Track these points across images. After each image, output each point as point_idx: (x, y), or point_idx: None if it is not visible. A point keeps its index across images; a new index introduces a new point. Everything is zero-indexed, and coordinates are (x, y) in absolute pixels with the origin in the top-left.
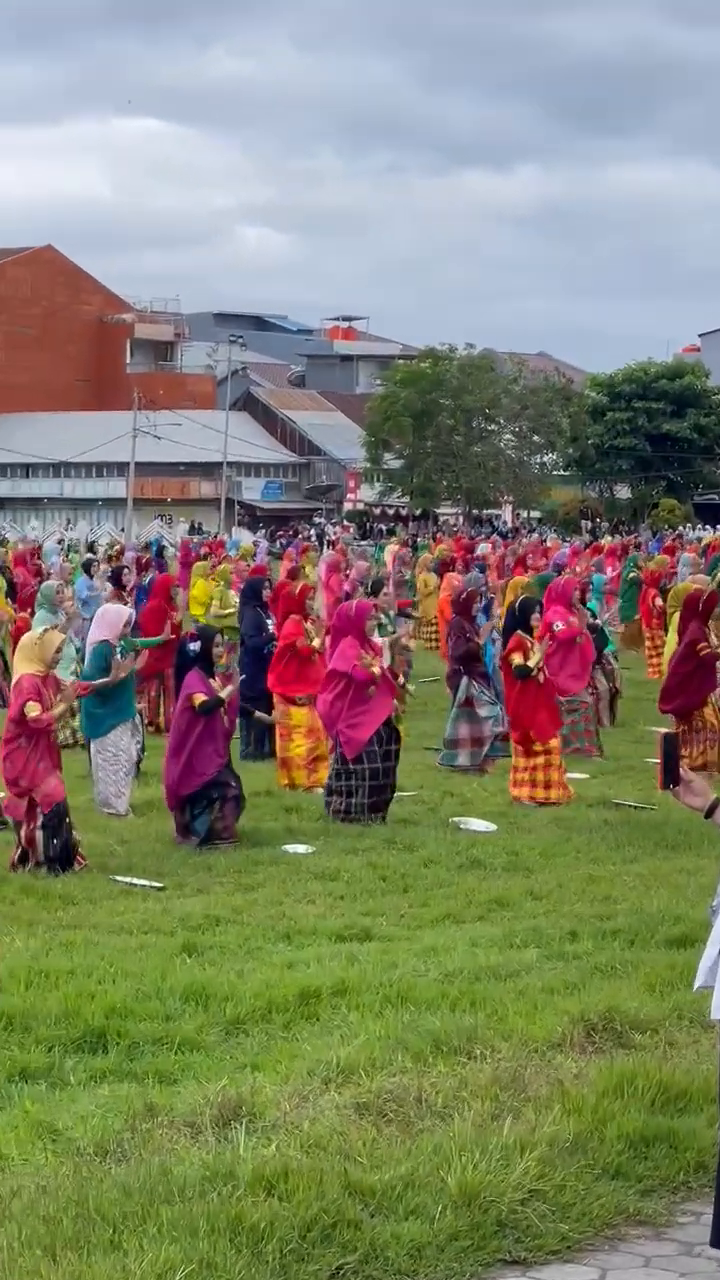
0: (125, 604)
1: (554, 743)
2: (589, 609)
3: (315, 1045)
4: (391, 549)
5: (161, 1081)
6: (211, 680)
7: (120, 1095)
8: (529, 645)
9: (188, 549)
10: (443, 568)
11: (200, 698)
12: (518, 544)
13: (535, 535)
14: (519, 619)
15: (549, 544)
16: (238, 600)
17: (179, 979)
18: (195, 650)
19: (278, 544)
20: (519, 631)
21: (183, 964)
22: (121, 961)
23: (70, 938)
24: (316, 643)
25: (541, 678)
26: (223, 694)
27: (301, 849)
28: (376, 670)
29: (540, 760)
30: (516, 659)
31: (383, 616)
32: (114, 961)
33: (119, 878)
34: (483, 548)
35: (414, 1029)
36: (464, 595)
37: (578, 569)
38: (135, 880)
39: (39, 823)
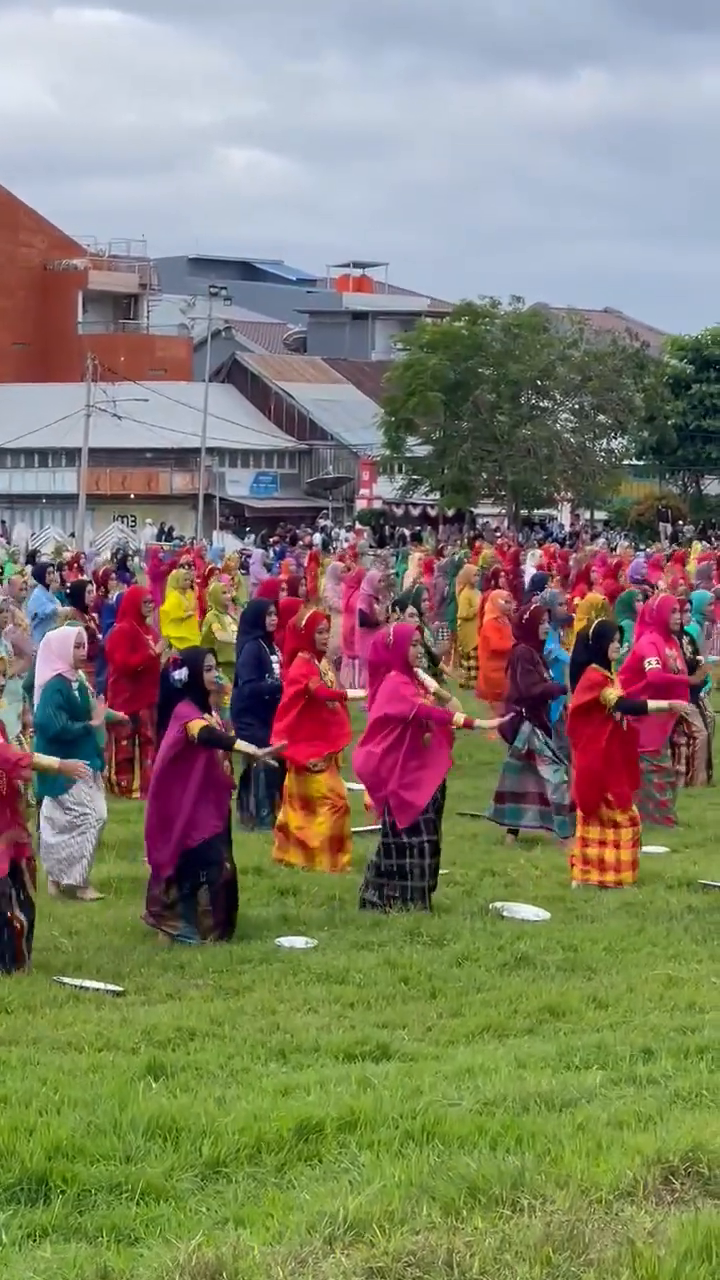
0: (86, 626)
1: (634, 810)
2: (689, 633)
3: (317, 1194)
4: (416, 558)
5: (119, 1240)
6: (209, 715)
7: (66, 1259)
8: (611, 680)
9: (157, 559)
10: (485, 583)
11: (199, 723)
12: (581, 553)
13: (600, 542)
14: (594, 649)
15: (620, 553)
16: (234, 623)
17: (142, 1109)
18: (181, 680)
19: (271, 552)
20: (593, 665)
21: (147, 1090)
22: (69, 1087)
23: (4, 1056)
24: (356, 694)
25: (626, 724)
26: (238, 745)
27: (300, 943)
28: (459, 720)
29: (613, 834)
30: (612, 693)
31: (428, 643)
32: (59, 1087)
33: (66, 979)
34: (532, 557)
35: (444, 1173)
36: (528, 615)
37: (663, 584)
38: (87, 982)
39: None
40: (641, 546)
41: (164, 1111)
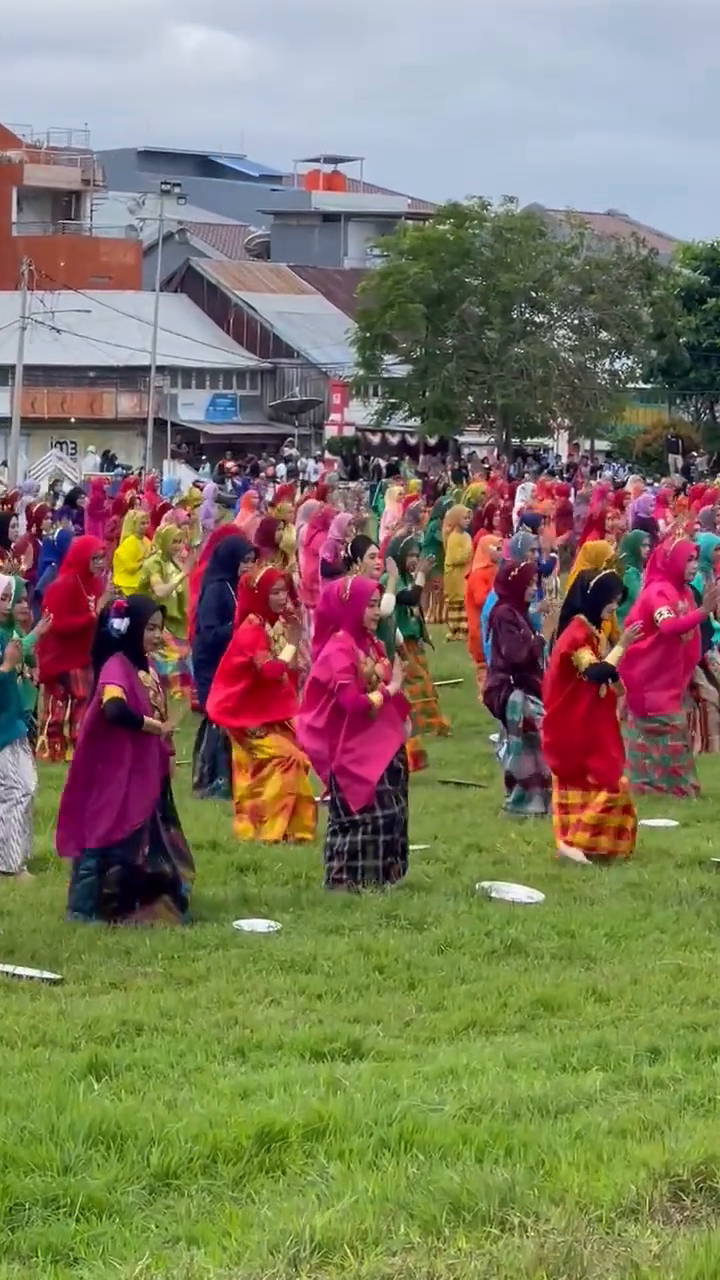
0: (11, 571)
1: (623, 794)
2: (692, 587)
3: (280, 1210)
4: (396, 492)
5: (56, 1261)
6: (143, 674)
7: None
8: (597, 639)
9: (100, 492)
10: (479, 522)
11: (114, 690)
12: (587, 489)
13: (604, 475)
14: (590, 600)
15: (630, 488)
16: (179, 573)
17: (82, 1113)
18: (120, 630)
19: (230, 485)
20: (580, 617)
21: (88, 1091)
22: None
23: None
24: (286, 655)
25: (604, 690)
26: (150, 725)
27: (262, 926)
28: (377, 699)
29: (602, 798)
30: (585, 655)
31: (382, 593)
32: None
33: None
34: (522, 492)
35: (423, 1187)
36: (514, 572)
37: (669, 523)
38: (20, 969)
39: None
40: (650, 481)
41: (107, 1116)
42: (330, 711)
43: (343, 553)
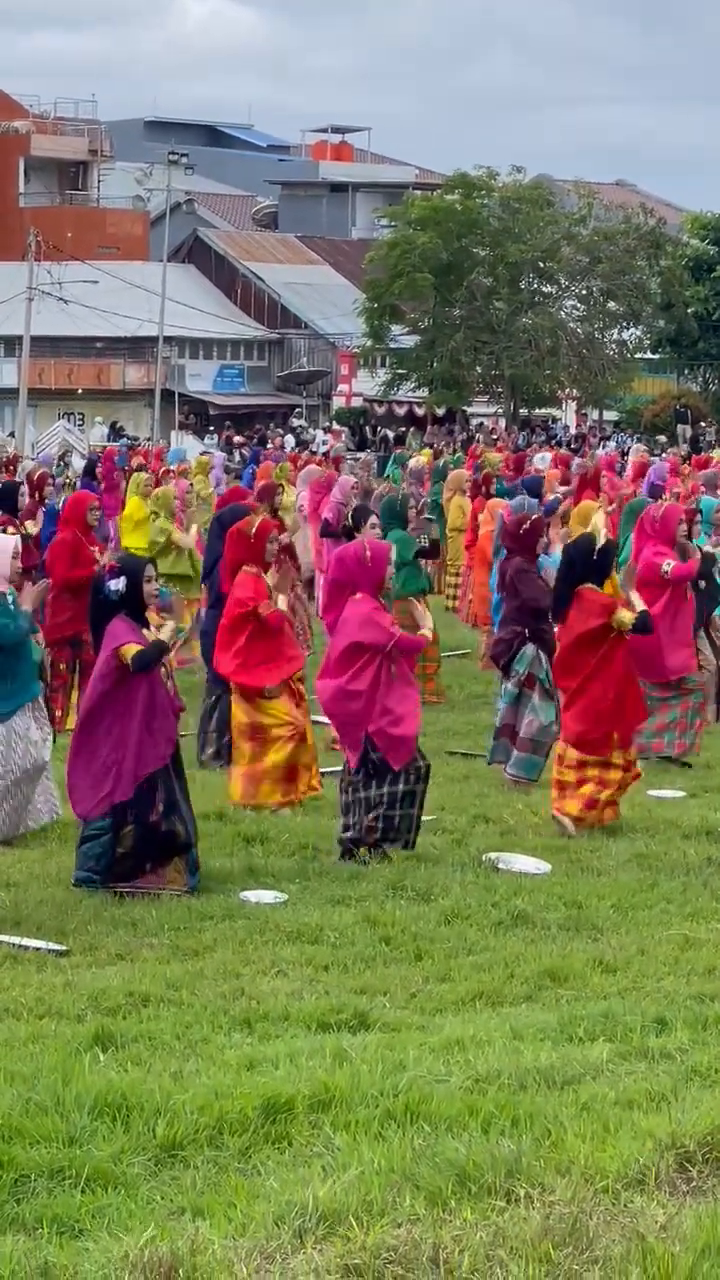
0: (16, 533)
1: (633, 754)
2: (697, 545)
3: (285, 1181)
4: (419, 462)
5: (61, 1233)
6: (146, 632)
7: (1, 1253)
8: (617, 602)
9: (112, 464)
10: (476, 489)
11: (133, 648)
12: (590, 458)
13: (610, 445)
14: (597, 566)
15: (633, 457)
16: (184, 536)
17: (88, 1084)
18: (117, 591)
19: (237, 456)
20: (590, 585)
21: (94, 1062)
22: (5, 1059)
23: None
24: (283, 603)
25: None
26: (162, 635)
27: (269, 897)
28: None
29: (606, 773)
30: (625, 615)
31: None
32: None
33: (3, 937)
34: (540, 460)
35: (429, 1158)
36: (525, 525)
37: (678, 490)
38: (26, 941)
39: None
40: (658, 452)
41: (113, 1087)
42: (374, 672)
43: (345, 517)
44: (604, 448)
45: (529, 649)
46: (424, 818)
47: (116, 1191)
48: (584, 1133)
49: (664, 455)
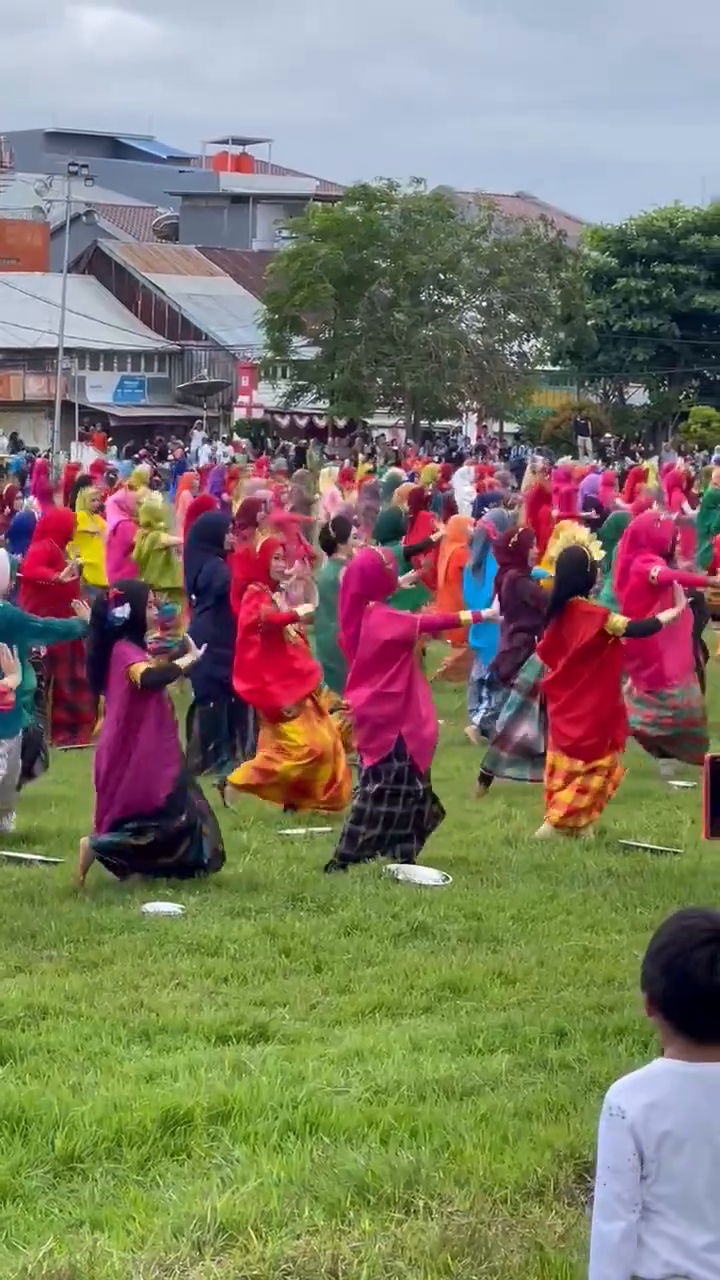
0: None
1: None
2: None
3: (184, 1193)
4: (332, 474)
5: None
6: (148, 656)
7: None
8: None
9: (44, 475)
10: (415, 504)
11: (141, 665)
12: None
13: (540, 460)
14: (588, 581)
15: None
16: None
17: None
18: (122, 617)
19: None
20: (580, 598)
21: None
22: None
23: None
24: (303, 610)
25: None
26: (182, 664)
27: (167, 909)
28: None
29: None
30: (619, 620)
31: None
32: None
33: None
34: (463, 476)
35: (328, 1169)
36: (514, 539)
37: (620, 504)
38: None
39: None
40: (556, 464)
41: (11, 1100)
42: (408, 672)
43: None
44: (502, 462)
45: (536, 659)
46: (325, 830)
47: (15, 1204)
48: (483, 1143)
49: (601, 468)
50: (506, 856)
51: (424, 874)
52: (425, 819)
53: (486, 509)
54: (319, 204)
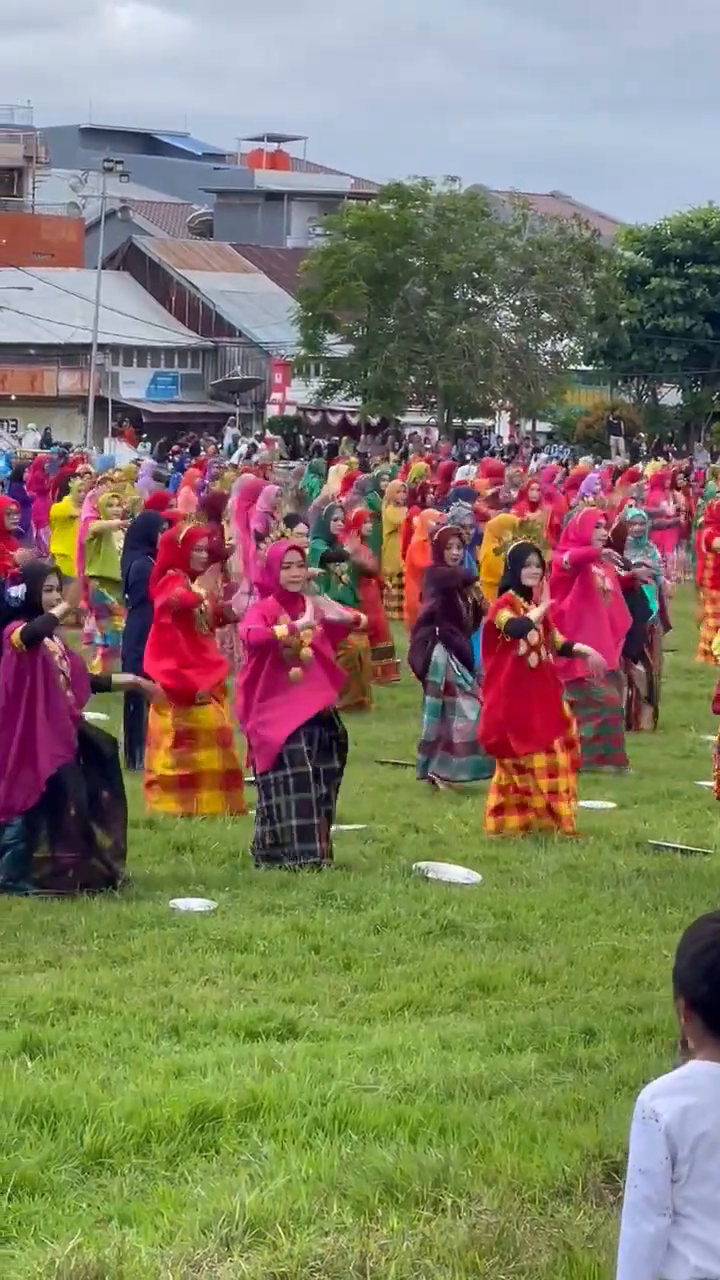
0: None
1: (558, 756)
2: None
3: (213, 1189)
4: (341, 470)
5: None
6: (48, 640)
7: None
8: (522, 606)
9: (41, 472)
10: (412, 498)
11: (15, 632)
12: (519, 472)
13: (543, 457)
14: (509, 574)
15: (577, 468)
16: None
17: (15, 1091)
18: (17, 598)
19: (169, 463)
20: (510, 590)
21: (21, 1070)
22: None
23: None
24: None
25: (536, 660)
26: (55, 612)
27: (198, 905)
28: (282, 632)
29: (531, 781)
30: (504, 614)
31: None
32: None
33: None
34: (467, 471)
35: (357, 1167)
36: (436, 535)
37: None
38: None
39: None
40: (597, 462)
41: (41, 1094)
42: (251, 673)
43: (273, 524)
44: (536, 459)
45: (439, 655)
46: (354, 827)
47: (43, 1199)
48: (511, 1143)
49: (601, 464)
50: (536, 856)
51: (454, 872)
52: (276, 815)
53: (451, 507)
54: (353, 201)
